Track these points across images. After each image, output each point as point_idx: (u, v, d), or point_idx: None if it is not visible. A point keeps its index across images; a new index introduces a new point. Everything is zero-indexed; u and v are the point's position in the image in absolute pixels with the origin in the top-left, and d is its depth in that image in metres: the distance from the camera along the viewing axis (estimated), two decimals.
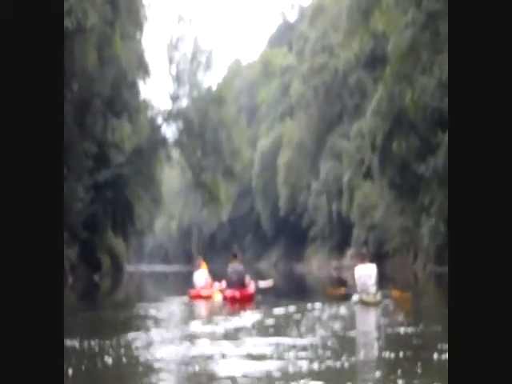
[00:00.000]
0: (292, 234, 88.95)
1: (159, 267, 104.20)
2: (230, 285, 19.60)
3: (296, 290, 31.32)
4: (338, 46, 63.71)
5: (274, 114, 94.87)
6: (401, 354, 8.35)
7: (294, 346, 9.16)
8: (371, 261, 18.46)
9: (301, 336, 10.76)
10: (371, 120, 48.33)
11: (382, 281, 18.80)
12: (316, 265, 70.41)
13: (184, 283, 46.13)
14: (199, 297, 20.75)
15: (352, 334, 11.43)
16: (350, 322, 14.09)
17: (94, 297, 29.25)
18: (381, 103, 46.46)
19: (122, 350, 9.23)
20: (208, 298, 20.53)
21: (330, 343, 9.71)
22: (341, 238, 67.46)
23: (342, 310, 15.95)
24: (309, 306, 17.00)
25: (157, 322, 14.86)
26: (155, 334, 12.06)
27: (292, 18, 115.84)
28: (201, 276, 21.52)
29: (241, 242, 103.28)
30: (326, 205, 70.19)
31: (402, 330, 11.19)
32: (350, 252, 61.14)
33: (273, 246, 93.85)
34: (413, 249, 45.47)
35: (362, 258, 18.48)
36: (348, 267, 56.57)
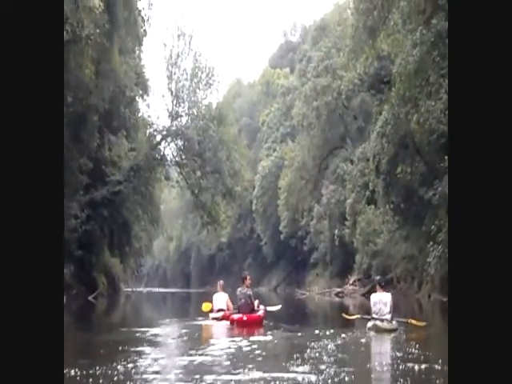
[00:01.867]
0: (293, 258, 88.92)
1: (157, 289, 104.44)
2: (238, 308, 19.85)
3: (301, 316, 30.75)
4: (341, 67, 63.49)
5: (275, 136, 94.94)
6: None
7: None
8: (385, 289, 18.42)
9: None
10: (376, 143, 47.79)
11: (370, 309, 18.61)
12: (317, 291, 69.26)
13: (182, 306, 46.12)
14: (219, 319, 20.87)
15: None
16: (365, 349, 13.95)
17: (89, 317, 28.92)
18: (386, 126, 45.95)
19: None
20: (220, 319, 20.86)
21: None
22: (343, 264, 66.81)
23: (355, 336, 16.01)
24: (322, 332, 17.14)
25: (153, 345, 14.59)
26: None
27: (294, 38, 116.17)
28: (220, 298, 21.77)
29: (240, 265, 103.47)
30: (328, 229, 69.60)
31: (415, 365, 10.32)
32: (352, 278, 60.36)
33: (273, 270, 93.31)
34: (417, 277, 44.51)
35: (378, 286, 18.37)
36: (350, 294, 56.41)
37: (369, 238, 54.58)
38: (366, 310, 27.84)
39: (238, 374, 9.04)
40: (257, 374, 8.95)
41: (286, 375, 8.75)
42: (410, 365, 9.75)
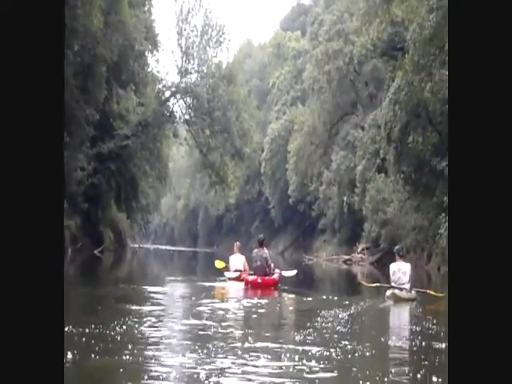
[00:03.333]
0: (300, 223, 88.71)
1: (164, 247, 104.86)
2: (253, 270, 20.14)
3: (311, 282, 30.62)
4: (353, 31, 62.91)
5: (285, 99, 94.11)
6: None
7: None
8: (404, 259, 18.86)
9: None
10: (387, 110, 47.22)
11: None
12: (324, 257, 69.12)
13: (188, 264, 46.03)
14: (234, 279, 21.17)
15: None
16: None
17: (94, 272, 28.76)
18: (398, 93, 45.42)
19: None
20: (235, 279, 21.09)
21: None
22: (351, 232, 66.39)
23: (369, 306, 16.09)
24: (334, 300, 17.71)
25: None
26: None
27: (306, 0, 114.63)
28: (237, 260, 21.92)
29: (247, 227, 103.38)
30: (337, 196, 68.89)
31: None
32: (361, 246, 60.14)
33: (280, 234, 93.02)
34: (427, 248, 44.18)
35: (398, 256, 18.71)
36: (358, 262, 56.28)
37: (378, 207, 54.19)
38: (375, 278, 27.72)
39: (247, 342, 8.70)
40: (267, 344, 8.63)
41: (298, 347, 8.40)
42: (428, 342, 9.42)
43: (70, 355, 6.82)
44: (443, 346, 9.11)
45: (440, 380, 6.61)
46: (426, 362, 7.96)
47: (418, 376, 6.98)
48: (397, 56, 49.91)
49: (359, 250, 60.54)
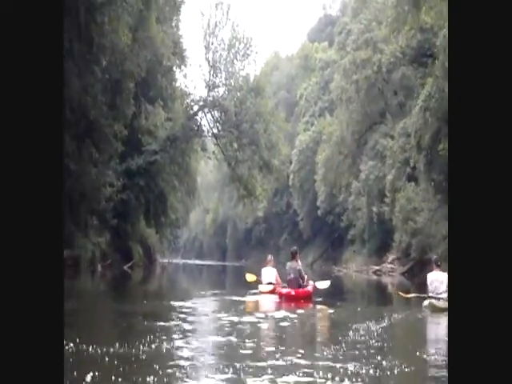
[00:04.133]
0: (329, 234, 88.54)
1: (193, 261, 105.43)
2: (287, 282, 20.09)
3: (342, 293, 30.27)
4: (382, 39, 62.72)
5: (313, 110, 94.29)
6: None
7: None
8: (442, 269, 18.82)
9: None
10: (418, 118, 47.07)
11: (426, 289, 18.79)
12: (354, 268, 68.71)
13: (217, 278, 45.99)
14: (263, 291, 21.20)
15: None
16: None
17: (123, 287, 28.77)
18: (429, 100, 45.42)
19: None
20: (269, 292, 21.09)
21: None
22: (381, 242, 65.83)
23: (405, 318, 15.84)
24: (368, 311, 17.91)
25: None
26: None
27: (333, 11, 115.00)
28: (269, 273, 21.93)
29: (276, 240, 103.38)
30: (366, 206, 68.74)
31: None
32: (391, 257, 59.71)
33: (309, 246, 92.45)
34: None
35: (435, 265, 18.80)
36: (388, 272, 55.93)
37: (408, 216, 53.75)
38: (406, 288, 27.35)
39: (280, 359, 8.35)
40: (300, 361, 8.28)
41: (332, 364, 8.02)
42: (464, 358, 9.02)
43: (89, 377, 6.56)
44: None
45: None
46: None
47: None
48: (427, 63, 49.70)
49: (389, 260, 60.20)
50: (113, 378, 6.59)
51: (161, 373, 7.06)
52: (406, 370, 7.87)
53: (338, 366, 7.88)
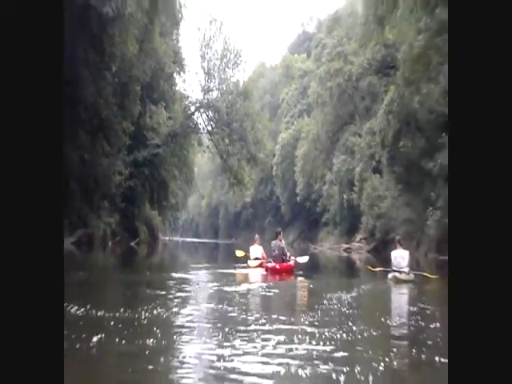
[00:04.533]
0: (307, 218, 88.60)
1: (190, 239, 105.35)
2: (272, 258, 20.10)
3: (319, 267, 29.99)
4: (352, 53, 63.22)
5: (293, 112, 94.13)
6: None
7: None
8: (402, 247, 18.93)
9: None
10: (382, 119, 47.30)
11: (390, 264, 18.64)
12: (328, 246, 68.68)
13: (211, 253, 45.94)
14: (255, 267, 21.20)
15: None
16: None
17: (130, 261, 28.44)
18: (391, 104, 45.88)
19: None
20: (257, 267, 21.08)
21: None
22: (350, 224, 65.77)
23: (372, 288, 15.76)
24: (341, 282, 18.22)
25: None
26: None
27: (310, 28, 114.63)
28: (256, 250, 22.17)
29: (261, 222, 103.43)
30: (337, 194, 68.63)
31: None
32: (359, 237, 59.89)
33: (289, 227, 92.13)
34: (416, 238, 43.76)
35: (398, 244, 18.76)
36: (356, 250, 55.93)
37: (374, 203, 53.91)
38: (372, 263, 27.29)
39: (265, 324, 8.14)
40: (282, 326, 8.08)
41: (309, 329, 7.82)
42: (426, 322, 8.83)
43: (95, 339, 6.35)
44: (438, 325, 8.58)
45: (442, 360, 6.03)
46: (428, 342, 7.35)
47: (420, 355, 6.43)
48: (389, 73, 49.77)
49: (357, 239, 60.33)
50: (117, 340, 6.40)
51: (160, 336, 6.87)
52: (374, 333, 7.69)
53: (316, 330, 7.70)
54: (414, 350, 6.76)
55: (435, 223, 41.12)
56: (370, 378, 5.28)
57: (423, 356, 6.40)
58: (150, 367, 5.45)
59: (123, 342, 6.37)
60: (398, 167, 46.37)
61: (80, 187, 34.18)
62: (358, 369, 5.49)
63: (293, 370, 5.50)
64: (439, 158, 39.41)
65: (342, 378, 5.19)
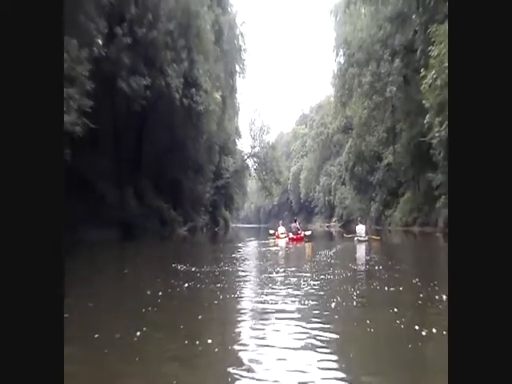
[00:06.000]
0: (306, 210, 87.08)
1: (246, 225, 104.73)
2: (291, 232, 19.42)
3: (314, 237, 29.26)
4: (328, 123, 62.10)
5: (298, 155, 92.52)
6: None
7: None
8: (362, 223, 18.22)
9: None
10: (345, 157, 46.37)
11: (354, 232, 17.77)
12: (318, 225, 67.31)
13: (257, 232, 45.60)
14: (280, 237, 20.31)
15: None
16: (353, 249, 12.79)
17: (215, 238, 27.74)
18: (350, 149, 44.72)
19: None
20: (284, 238, 20.26)
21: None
22: (329, 213, 65.08)
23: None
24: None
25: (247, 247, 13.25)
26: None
27: (307, 111, 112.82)
28: (281, 229, 21.07)
29: (282, 214, 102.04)
30: (322, 197, 67.87)
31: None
32: (334, 219, 58.87)
33: (298, 216, 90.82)
34: (364, 217, 43.03)
35: (359, 222, 18.17)
36: (333, 226, 54.81)
37: (341, 201, 53.15)
38: (342, 233, 26.46)
39: (287, 266, 7.68)
40: (295, 268, 7.60)
41: (308, 273, 7.34)
42: (375, 268, 8.28)
43: (186, 285, 5.92)
44: (381, 267, 8.00)
45: (387, 289, 5.53)
46: (378, 275, 6.83)
47: (373, 284, 5.93)
48: (349, 131, 48.74)
49: (333, 220, 59.22)
50: (198, 285, 6.00)
51: (225, 281, 6.47)
52: (346, 274, 7.17)
53: (313, 273, 7.24)
54: (370, 281, 6.27)
55: (375, 210, 40.25)
56: (343, 299, 4.84)
57: (375, 284, 5.91)
58: (221, 298, 5.09)
59: (203, 286, 5.98)
60: (355, 182, 45.40)
61: (190, 201, 33.96)
62: (337, 296, 5.05)
63: (298, 298, 5.08)
64: (377, 175, 38.70)
65: (333, 303, 4.75)
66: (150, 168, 28.84)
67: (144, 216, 24.13)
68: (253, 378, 2.75)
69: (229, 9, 41.98)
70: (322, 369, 2.86)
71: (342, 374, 2.79)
